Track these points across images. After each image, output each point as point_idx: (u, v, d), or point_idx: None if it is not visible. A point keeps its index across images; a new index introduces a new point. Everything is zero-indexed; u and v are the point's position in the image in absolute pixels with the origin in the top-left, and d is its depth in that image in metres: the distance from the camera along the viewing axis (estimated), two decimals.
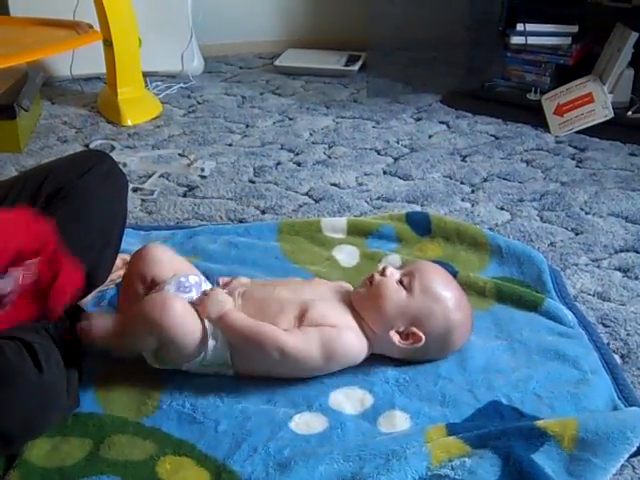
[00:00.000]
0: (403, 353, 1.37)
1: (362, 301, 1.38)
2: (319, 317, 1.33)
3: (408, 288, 1.36)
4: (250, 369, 1.34)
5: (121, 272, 1.55)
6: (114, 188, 1.44)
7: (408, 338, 1.36)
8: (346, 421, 1.26)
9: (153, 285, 1.41)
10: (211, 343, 1.32)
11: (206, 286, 1.42)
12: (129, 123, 2.64)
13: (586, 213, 2.01)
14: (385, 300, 1.35)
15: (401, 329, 1.36)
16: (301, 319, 1.33)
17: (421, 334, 1.35)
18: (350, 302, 1.40)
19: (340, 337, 1.32)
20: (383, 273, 1.39)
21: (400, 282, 1.37)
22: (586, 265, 1.77)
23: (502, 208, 2.05)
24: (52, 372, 1.20)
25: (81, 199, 1.36)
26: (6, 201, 1.35)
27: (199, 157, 2.36)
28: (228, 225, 1.91)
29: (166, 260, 1.45)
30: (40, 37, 2.40)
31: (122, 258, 1.57)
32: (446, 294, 1.37)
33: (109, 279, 1.56)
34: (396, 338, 1.36)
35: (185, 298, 1.35)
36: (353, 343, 1.34)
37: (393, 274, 1.38)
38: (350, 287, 1.48)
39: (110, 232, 1.41)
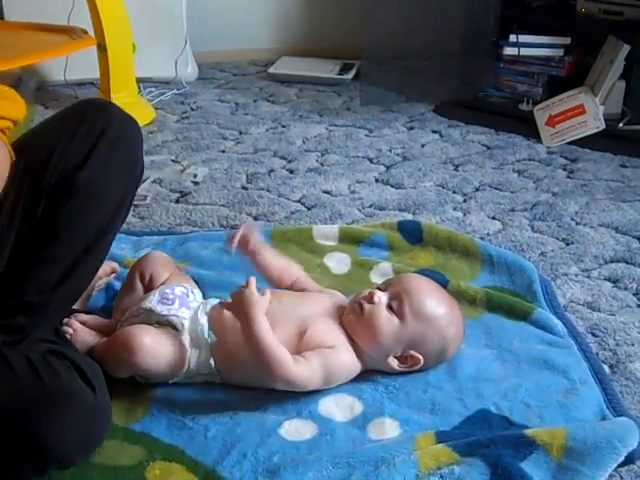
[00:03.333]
0: (401, 372, 1.37)
1: (356, 330, 1.36)
2: (318, 337, 1.33)
3: (399, 314, 1.35)
4: (237, 380, 1.33)
5: (111, 277, 1.54)
6: (122, 165, 1.28)
7: (407, 361, 1.37)
8: (335, 428, 1.26)
9: (151, 283, 1.43)
10: (194, 353, 1.32)
11: (193, 296, 1.41)
12: None
13: (577, 223, 2.02)
14: (379, 332, 1.34)
15: (398, 354, 1.36)
16: (300, 337, 1.32)
17: (419, 356, 1.36)
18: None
19: (338, 358, 1.32)
20: (371, 300, 1.36)
21: (389, 307, 1.36)
22: (576, 275, 1.77)
23: (493, 217, 2.06)
24: (104, 392, 1.19)
25: (85, 194, 1.23)
26: (5, 201, 1.22)
27: (192, 163, 2.36)
28: (220, 231, 1.91)
29: (164, 262, 1.48)
30: (34, 42, 2.41)
31: (111, 266, 1.56)
32: (437, 313, 1.36)
33: (102, 281, 1.55)
34: (395, 363, 1.36)
35: (166, 310, 1.35)
36: (349, 364, 1.35)
37: (381, 299, 1.36)
38: (343, 297, 1.48)
39: (116, 213, 1.29)
